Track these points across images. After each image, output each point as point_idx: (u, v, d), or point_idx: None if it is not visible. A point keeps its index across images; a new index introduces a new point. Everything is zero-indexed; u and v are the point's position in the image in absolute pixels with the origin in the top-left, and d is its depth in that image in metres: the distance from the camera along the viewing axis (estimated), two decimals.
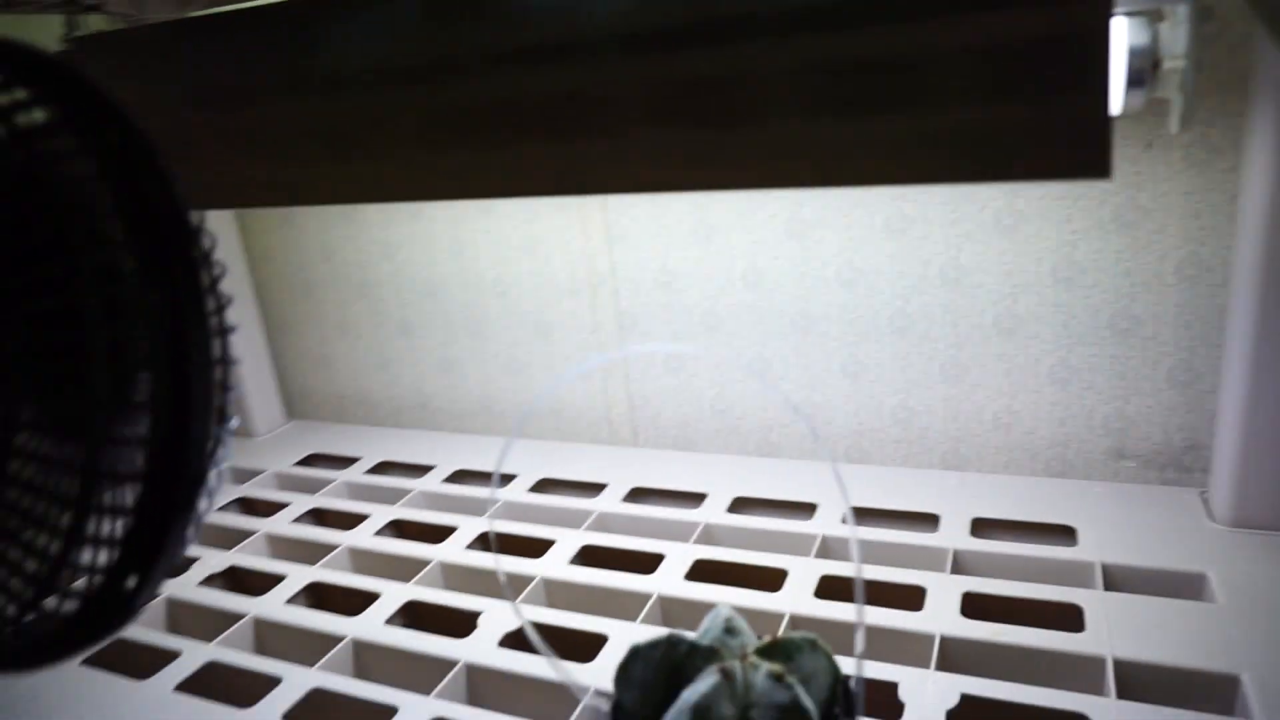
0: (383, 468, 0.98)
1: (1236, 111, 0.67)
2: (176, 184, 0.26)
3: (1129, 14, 0.44)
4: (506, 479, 0.90)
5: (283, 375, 1.17)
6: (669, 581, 0.68)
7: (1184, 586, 0.63)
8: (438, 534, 0.80)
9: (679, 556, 0.72)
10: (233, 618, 0.70)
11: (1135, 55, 0.41)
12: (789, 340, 0.88)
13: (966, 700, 0.52)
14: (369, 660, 0.66)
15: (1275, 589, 0.60)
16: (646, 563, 0.71)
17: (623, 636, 0.61)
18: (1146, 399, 0.77)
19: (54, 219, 0.26)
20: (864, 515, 0.78)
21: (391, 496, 0.89)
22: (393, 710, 0.57)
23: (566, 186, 0.47)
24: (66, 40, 0.59)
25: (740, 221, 0.86)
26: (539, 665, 0.60)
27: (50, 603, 0.29)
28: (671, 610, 0.67)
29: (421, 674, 0.61)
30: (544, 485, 0.89)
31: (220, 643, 0.67)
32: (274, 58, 0.50)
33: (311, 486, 0.93)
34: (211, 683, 0.63)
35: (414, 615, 0.70)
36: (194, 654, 0.65)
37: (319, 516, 0.88)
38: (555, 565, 0.72)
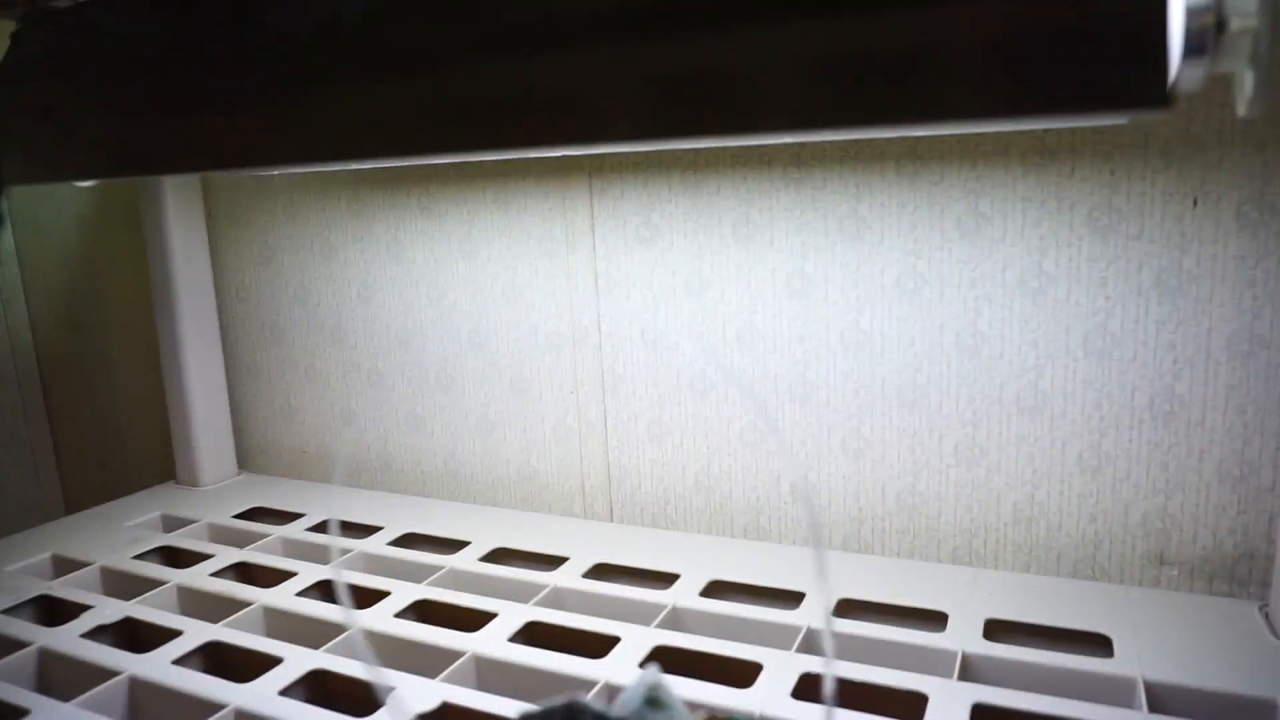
0: (327, 526, 0.88)
1: None
2: None
3: None
4: (457, 545, 0.80)
5: (242, 425, 1.09)
6: (620, 668, 0.57)
7: (1247, 713, 0.51)
8: (368, 598, 0.69)
9: (637, 641, 0.61)
10: (105, 674, 0.59)
11: (1194, 14, 0.34)
12: (785, 410, 0.79)
13: None
14: None
15: None
16: (598, 646, 0.60)
17: None
18: (1192, 495, 0.66)
19: None
20: (859, 609, 0.66)
21: (327, 556, 0.79)
22: None
23: None
24: None
25: (737, 274, 0.78)
26: None
27: None
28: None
29: None
30: (499, 555, 0.78)
31: (81, 703, 0.56)
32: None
33: (243, 540, 0.83)
34: None
35: (318, 686, 0.59)
36: (48, 715, 0.55)
37: (244, 572, 0.78)
38: (491, 642, 0.61)
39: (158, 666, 0.60)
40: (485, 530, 0.83)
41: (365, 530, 0.85)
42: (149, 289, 1.00)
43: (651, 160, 0.80)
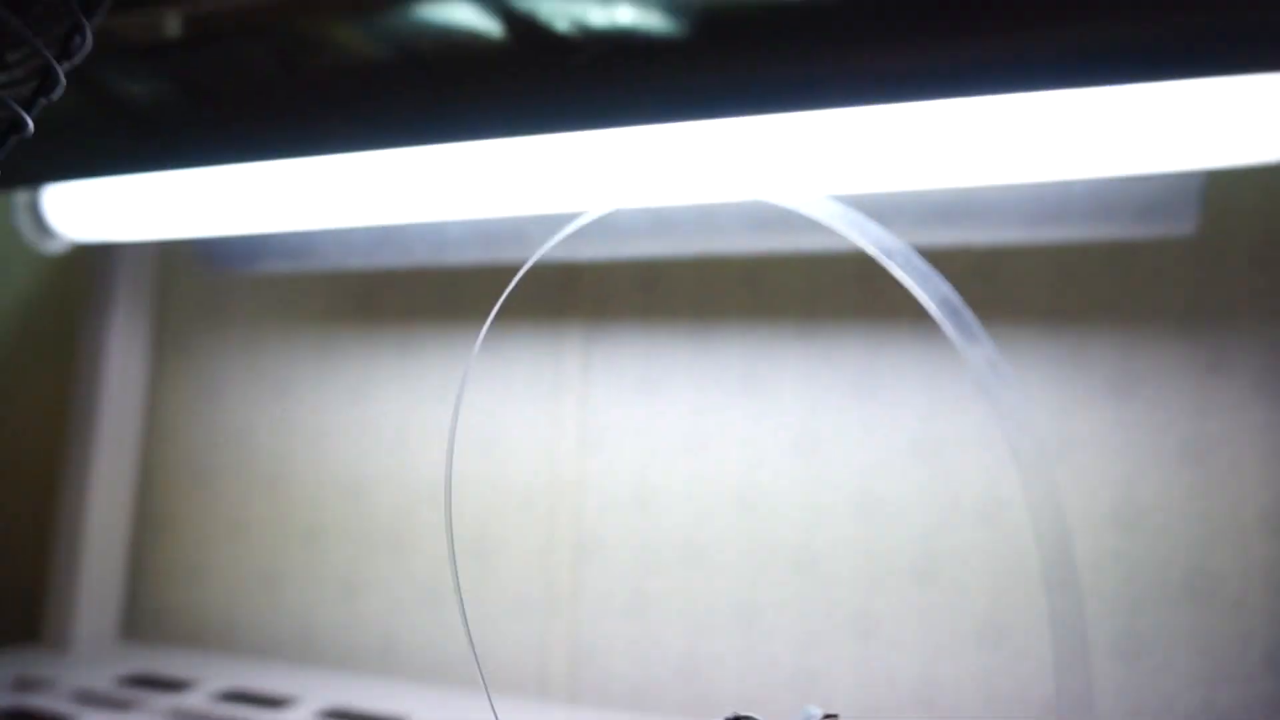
0: (226, 697, 0.72)
1: None
2: None
3: None
4: None
5: (137, 588, 0.93)
6: None
7: None
8: None
9: None
10: None
11: None
12: (787, 583, 0.72)
13: None
14: None
15: None
16: None
17: None
18: (1239, 686, 0.61)
19: None
20: None
21: None
22: None
23: None
24: None
25: (739, 430, 0.74)
26: None
27: None
28: None
29: None
30: None
31: None
32: None
33: (121, 704, 0.67)
34: None
35: None
36: None
37: None
38: None
39: None
40: (421, 705, 0.70)
41: (274, 702, 0.70)
42: (59, 440, 0.88)
43: (652, 305, 0.78)
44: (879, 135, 0.51)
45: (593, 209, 0.30)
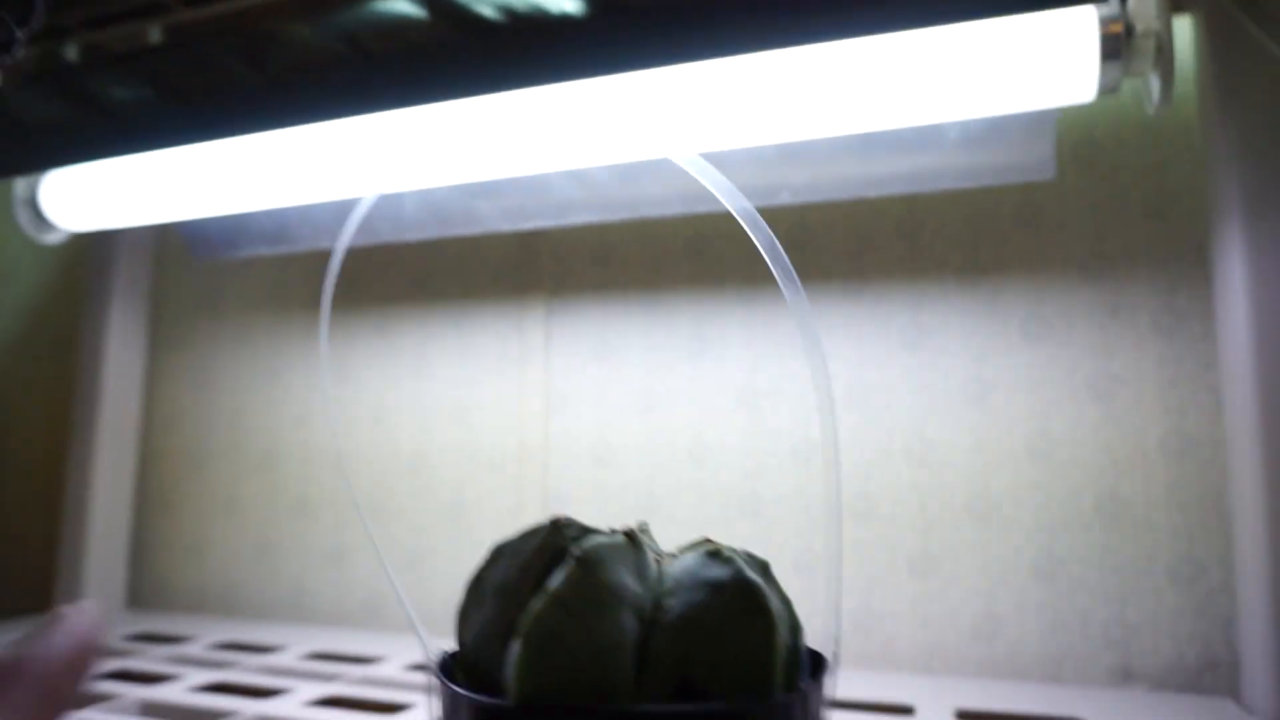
0: (223, 646, 0.78)
1: (1198, 281, 0.66)
2: None
3: None
4: (373, 660, 0.72)
5: (141, 564, 0.99)
6: None
7: None
8: (266, 693, 0.61)
9: None
10: None
11: (1105, 21, 0.40)
12: (735, 526, 0.77)
13: None
14: None
15: None
16: None
17: None
18: (1148, 600, 0.66)
19: None
20: None
21: (223, 664, 0.70)
22: None
23: None
24: None
25: (688, 388, 0.80)
26: None
27: None
28: None
29: None
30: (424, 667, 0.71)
31: None
32: None
33: (128, 652, 0.73)
34: None
35: None
36: None
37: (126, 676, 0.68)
38: None
39: None
40: (410, 650, 0.75)
41: (266, 649, 0.76)
42: (64, 429, 0.95)
43: (611, 280, 0.84)
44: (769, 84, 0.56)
45: (367, 195, 0.34)
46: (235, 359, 0.99)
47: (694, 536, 0.72)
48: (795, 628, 0.28)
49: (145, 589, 0.99)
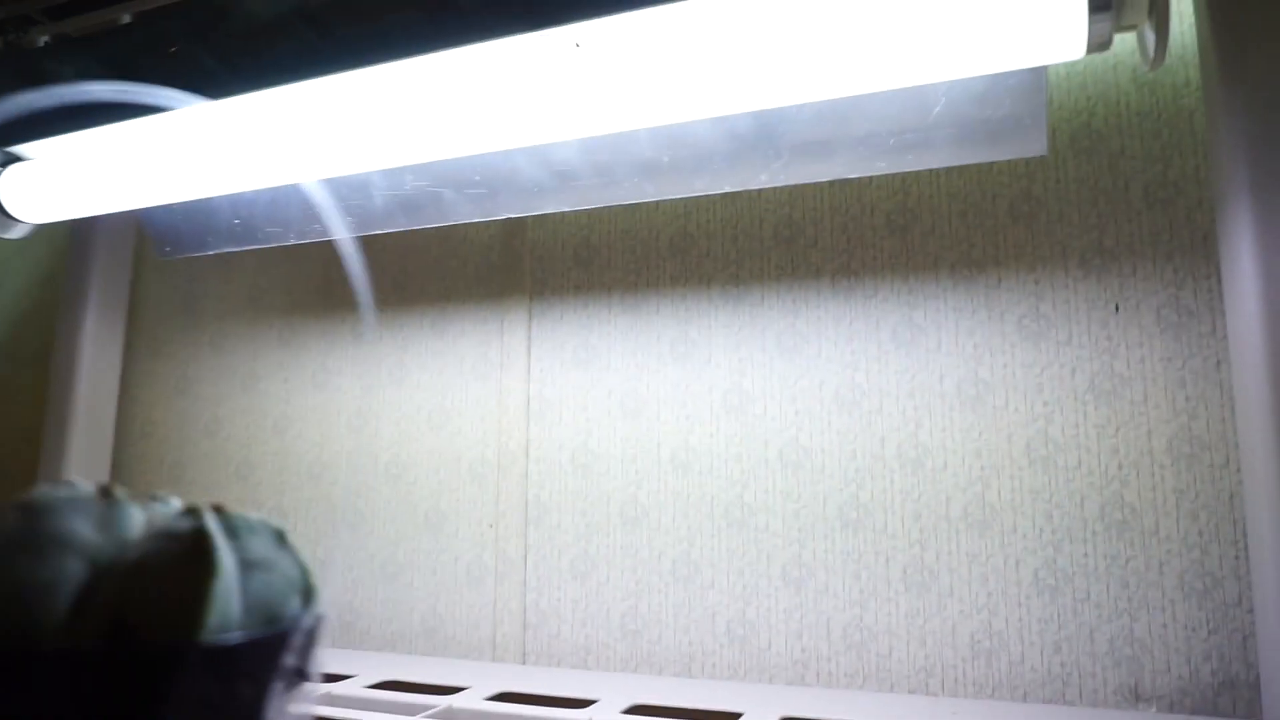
0: None
1: (1204, 274, 0.63)
2: None
3: None
4: (340, 678, 0.69)
5: None
6: None
7: None
8: None
9: None
10: None
11: None
12: (721, 537, 0.73)
13: None
14: None
15: None
16: None
17: None
18: (1158, 615, 0.61)
19: None
20: None
21: None
22: None
23: None
24: None
25: (673, 394, 0.76)
26: None
27: None
28: None
29: None
30: (389, 686, 0.67)
31: None
32: None
33: None
34: None
35: None
36: None
37: None
38: None
39: None
40: (377, 668, 0.72)
41: None
42: (38, 432, 0.93)
43: (594, 281, 0.81)
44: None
45: None
46: (213, 367, 0.96)
47: (680, 546, 0.68)
48: (307, 591, 0.29)
49: None
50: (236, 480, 0.93)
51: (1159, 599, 0.61)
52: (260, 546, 0.28)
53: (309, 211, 0.72)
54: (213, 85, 0.50)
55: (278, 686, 0.27)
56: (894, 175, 0.71)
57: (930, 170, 0.71)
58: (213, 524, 0.26)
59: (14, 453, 0.99)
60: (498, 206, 0.66)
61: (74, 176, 0.71)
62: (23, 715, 0.23)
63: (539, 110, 0.54)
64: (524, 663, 0.77)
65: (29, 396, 1.01)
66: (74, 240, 0.94)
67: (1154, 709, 0.60)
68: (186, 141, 0.64)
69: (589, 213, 0.82)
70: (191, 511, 0.27)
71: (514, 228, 0.84)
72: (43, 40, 0.70)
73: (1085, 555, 0.63)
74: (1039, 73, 0.48)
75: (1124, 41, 0.65)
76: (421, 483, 0.84)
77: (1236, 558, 0.60)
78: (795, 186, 0.75)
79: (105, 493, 0.27)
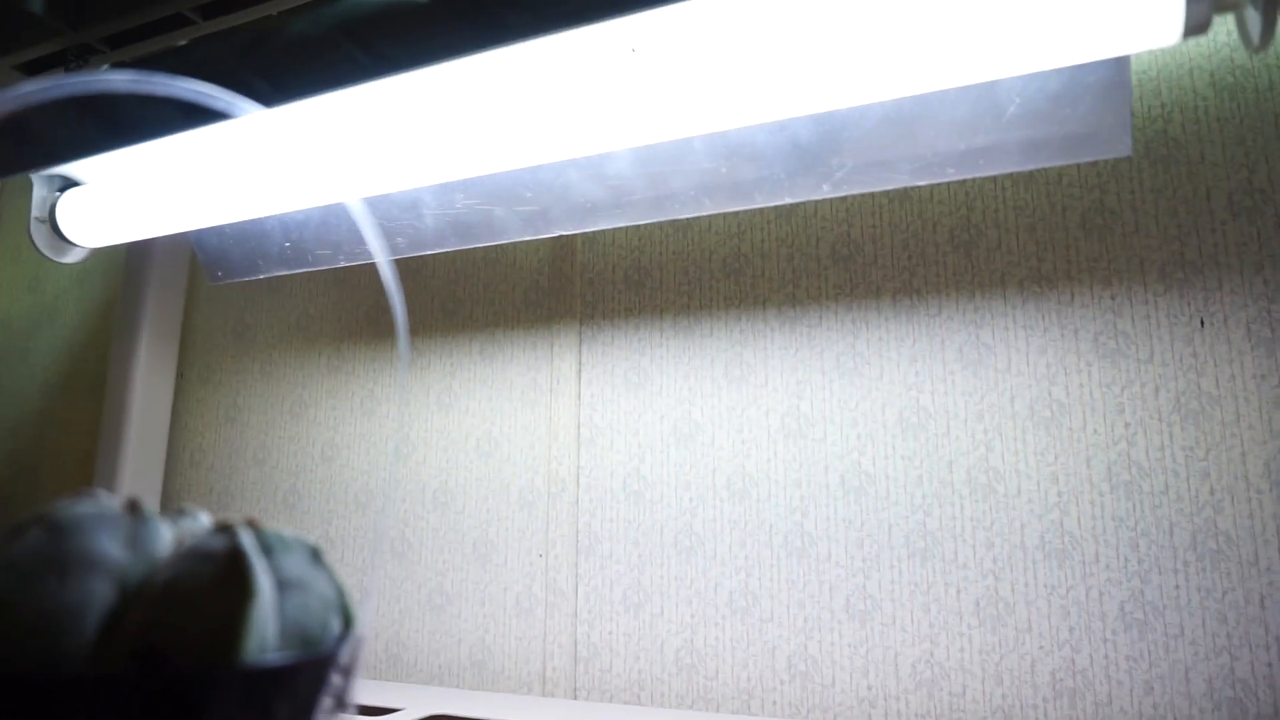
0: None
1: None
2: None
3: None
4: (385, 711, 0.66)
5: None
6: None
7: None
8: None
9: None
10: None
11: None
12: (781, 567, 0.70)
13: None
14: None
15: None
16: None
17: None
18: (1261, 652, 0.57)
19: None
20: None
21: None
22: None
23: None
24: None
25: (728, 418, 0.74)
26: None
27: None
28: None
29: None
30: None
31: None
32: None
33: None
34: None
35: None
36: None
37: None
38: None
39: None
40: (424, 702, 0.69)
41: None
42: (91, 459, 0.93)
43: (645, 304, 0.79)
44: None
45: None
46: (263, 395, 0.96)
47: (737, 576, 0.65)
48: (344, 612, 0.27)
49: None
50: (284, 509, 0.92)
51: (1261, 636, 0.57)
52: (295, 565, 0.26)
53: (357, 233, 0.72)
54: (258, 97, 0.50)
55: (316, 713, 0.25)
56: (957, 190, 0.69)
57: (995, 183, 0.68)
58: (248, 542, 0.25)
59: (71, 483, 1.00)
60: (549, 224, 0.65)
61: (127, 199, 0.72)
62: None
63: (593, 118, 0.52)
64: (575, 697, 0.74)
65: (85, 427, 1.01)
66: (129, 270, 0.95)
67: None
68: (237, 159, 0.64)
69: (640, 234, 0.80)
70: (225, 529, 0.25)
71: (563, 251, 0.83)
72: (104, 68, 0.71)
73: (1176, 587, 0.59)
74: (1122, 65, 0.45)
75: (1197, 45, 0.62)
76: (470, 511, 0.83)
77: None
78: (853, 203, 0.72)
79: (132, 507, 0.25)
